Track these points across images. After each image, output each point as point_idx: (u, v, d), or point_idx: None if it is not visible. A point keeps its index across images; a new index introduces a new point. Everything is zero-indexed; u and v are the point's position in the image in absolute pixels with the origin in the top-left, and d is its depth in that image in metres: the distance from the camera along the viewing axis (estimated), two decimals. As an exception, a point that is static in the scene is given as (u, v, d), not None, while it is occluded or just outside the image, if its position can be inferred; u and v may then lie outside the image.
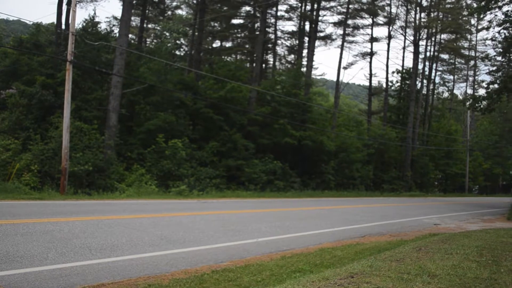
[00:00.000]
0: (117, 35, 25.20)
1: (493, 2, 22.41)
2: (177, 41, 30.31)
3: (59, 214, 11.38)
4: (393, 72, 53.01)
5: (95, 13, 33.44)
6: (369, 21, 45.13)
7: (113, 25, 37.26)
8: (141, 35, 35.07)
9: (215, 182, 24.71)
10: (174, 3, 42.64)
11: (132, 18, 36.46)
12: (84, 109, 23.31)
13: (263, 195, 24.88)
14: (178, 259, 7.46)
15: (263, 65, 43.36)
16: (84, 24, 26.64)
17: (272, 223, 12.57)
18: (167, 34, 29.04)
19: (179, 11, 45.76)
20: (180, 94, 27.24)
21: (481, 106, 28.58)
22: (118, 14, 40.69)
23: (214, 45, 46.47)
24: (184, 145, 24.38)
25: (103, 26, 34.97)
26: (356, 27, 45.10)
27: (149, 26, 43.95)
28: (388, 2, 45.35)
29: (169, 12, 42.15)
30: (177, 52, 37.11)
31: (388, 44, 46.26)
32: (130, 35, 31.33)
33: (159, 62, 25.41)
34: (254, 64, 37.53)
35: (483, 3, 23.11)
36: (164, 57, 26.18)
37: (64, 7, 26.18)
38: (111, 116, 22.33)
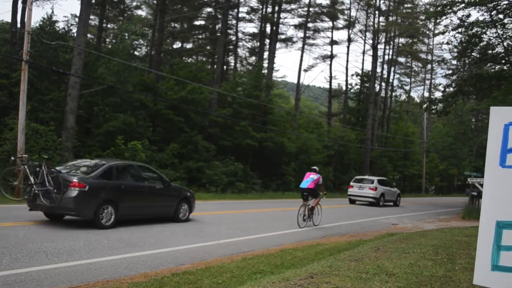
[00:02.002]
0: (75, 34, 24.65)
1: (448, 7, 23.03)
2: (135, 42, 29.83)
3: (14, 218, 11.03)
4: (352, 75, 53.96)
5: (52, 11, 32.54)
6: (329, 24, 45.69)
7: (71, 24, 36.47)
8: (100, 35, 34.44)
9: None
10: (134, 3, 42.15)
11: (91, 17, 35.78)
12: (41, 110, 22.70)
13: (224, 196, 24.81)
14: (137, 262, 7.36)
15: (224, 67, 43.31)
16: (41, 22, 25.95)
17: (233, 225, 12.56)
18: (126, 34, 28.59)
19: (139, 12, 45.29)
20: (140, 95, 26.89)
21: (437, 109, 29.33)
22: (77, 12, 39.75)
23: (174, 46, 46.15)
24: (144, 147, 24.05)
25: (61, 25, 34.02)
26: (317, 30, 45.60)
27: (109, 26, 43.25)
28: (348, 6, 46.06)
29: (129, 12, 41.57)
30: (137, 53, 36.63)
31: (348, 47, 46.97)
32: (88, 35, 30.72)
33: (119, 63, 25.00)
34: (215, 66, 37.45)
35: (439, 8, 23.74)
36: (124, 57, 25.76)
37: (20, 5, 25.44)
38: (68, 118, 21.82)
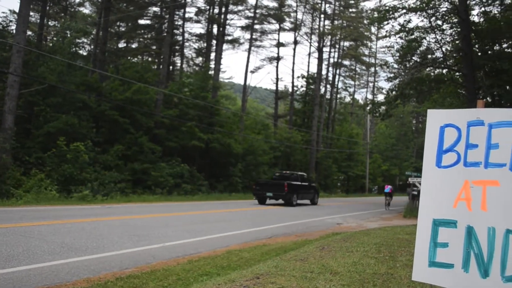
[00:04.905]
0: (15, 31, 23.72)
1: (390, 12, 23.70)
2: (78, 40, 29.01)
3: None
4: (298, 77, 54.69)
5: (-11, 7, 31.18)
6: (276, 26, 46.20)
7: (10, 21, 35.10)
8: (41, 32, 33.32)
9: (120, 186, 24.03)
10: (77, 0, 41.03)
11: (32, 14, 34.59)
12: (-24, 110, 21.75)
13: (170, 199, 24.57)
14: (80, 267, 7.16)
15: (171, 67, 42.94)
16: (-24, 19, 24.86)
17: (179, 227, 12.45)
18: (68, 32, 27.73)
19: (82, 9, 44.11)
20: (83, 96, 26.21)
21: (380, 111, 30.10)
22: (16, 8, 38.28)
23: (119, 46, 45.28)
24: (87, 148, 23.47)
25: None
26: (264, 32, 46.02)
27: (50, 23, 41.91)
28: (295, 8, 46.68)
29: (72, 10, 40.45)
30: (80, 52, 35.66)
31: (294, 50, 47.74)
32: (29, 32, 29.67)
33: (61, 62, 24.27)
34: (161, 66, 37.04)
35: (381, 13, 24.39)
36: (66, 56, 25.04)
37: (-46, 0, 24.27)
38: (6, 118, 20.97)
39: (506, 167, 3.18)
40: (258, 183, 25.92)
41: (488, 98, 22.70)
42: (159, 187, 26.40)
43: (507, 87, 22.23)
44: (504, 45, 23.60)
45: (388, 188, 28.99)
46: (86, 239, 9.53)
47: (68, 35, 27.43)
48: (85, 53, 39.39)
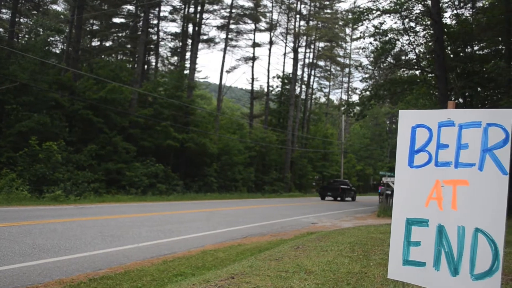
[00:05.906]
0: (-16, 29, 23.26)
1: (365, 14, 23.94)
2: (51, 38, 28.52)
3: None
4: (274, 77, 54.93)
5: (-42, 4, 30.35)
6: (251, 26, 46.21)
7: (-20, 18, 34.44)
8: (12, 29, 32.65)
9: (93, 186, 23.73)
10: (50, -3, 40.35)
11: (3, 10, 33.94)
12: None
13: (145, 199, 24.38)
14: (52, 268, 7.06)
15: (145, 66, 42.54)
16: None
17: (154, 227, 12.37)
18: (41, 30, 27.23)
19: (55, 6, 43.38)
20: (55, 94, 25.79)
21: (355, 112, 30.39)
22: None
23: (93, 44, 44.68)
24: (60, 148, 23.11)
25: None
26: (239, 32, 45.97)
27: (22, 20, 41.12)
28: (270, 9, 46.81)
29: (45, 7, 39.75)
30: (54, 50, 35.08)
31: (270, 50, 47.78)
32: (0, 29, 29.10)
33: (33, 60, 23.83)
34: (136, 65, 36.70)
35: (356, 15, 24.62)
36: (39, 55, 24.61)
37: None
38: (-24, 117, 20.54)
39: (475, 167, 3.25)
40: (322, 187, 39.86)
41: (460, 99, 23.12)
42: (133, 187, 26.17)
43: (478, 88, 22.67)
44: (476, 47, 24.07)
45: (381, 188, 30.94)
46: (58, 240, 9.40)
47: (41, 33, 26.93)
48: (58, 51, 38.79)
